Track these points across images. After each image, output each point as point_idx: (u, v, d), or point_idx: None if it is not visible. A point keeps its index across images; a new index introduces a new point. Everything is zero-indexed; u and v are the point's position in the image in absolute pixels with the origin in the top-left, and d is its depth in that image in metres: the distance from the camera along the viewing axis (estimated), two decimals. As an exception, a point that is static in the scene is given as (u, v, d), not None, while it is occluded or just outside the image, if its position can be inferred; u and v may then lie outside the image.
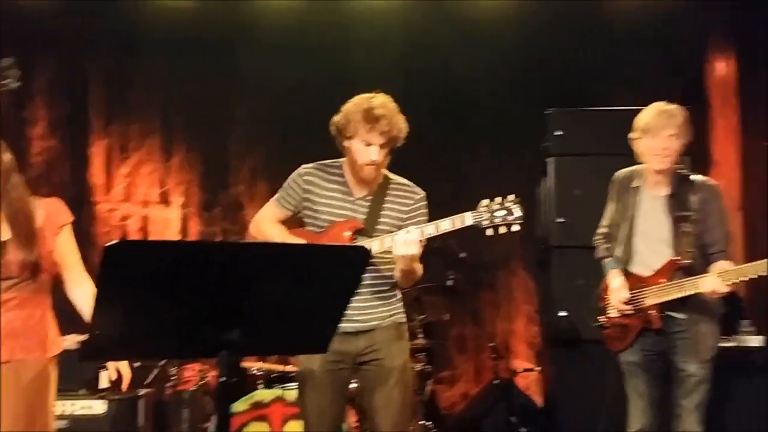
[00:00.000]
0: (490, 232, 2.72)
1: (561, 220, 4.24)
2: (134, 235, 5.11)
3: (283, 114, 5.09)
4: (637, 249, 3.40)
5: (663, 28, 4.96)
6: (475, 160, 5.08)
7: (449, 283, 4.43)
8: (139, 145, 5.24)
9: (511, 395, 4.41)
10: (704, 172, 4.89)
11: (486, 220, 2.70)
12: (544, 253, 4.41)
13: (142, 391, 4.16)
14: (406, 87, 4.72)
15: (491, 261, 4.95)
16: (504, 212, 2.69)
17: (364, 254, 2.05)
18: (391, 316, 2.92)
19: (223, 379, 1.84)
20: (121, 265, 1.69)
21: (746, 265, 3.21)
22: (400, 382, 2.86)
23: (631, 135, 3.42)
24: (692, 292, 3.21)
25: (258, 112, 5.16)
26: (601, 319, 3.47)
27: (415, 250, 2.72)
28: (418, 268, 2.84)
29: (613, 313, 3.41)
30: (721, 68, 4.95)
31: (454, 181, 4.90)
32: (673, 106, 3.36)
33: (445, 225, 2.75)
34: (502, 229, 2.70)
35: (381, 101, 2.81)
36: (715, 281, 3.15)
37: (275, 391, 3.74)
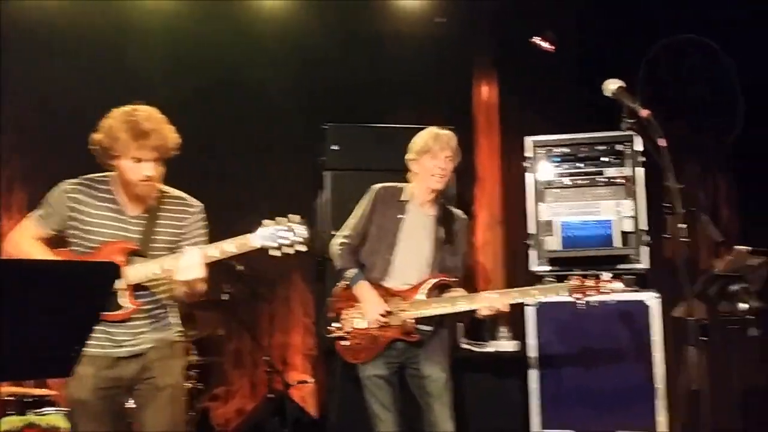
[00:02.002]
0: (275, 253, 2.69)
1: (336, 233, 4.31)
2: None
3: (45, 120, 4.72)
4: (396, 262, 3.52)
5: (434, 50, 5.24)
6: (253, 171, 5.04)
7: (224, 297, 4.34)
8: None
9: (285, 408, 4.40)
10: (470, 189, 5.26)
11: (271, 241, 2.66)
12: (321, 266, 4.46)
13: None
14: (181, 94, 4.61)
15: (270, 274, 4.93)
16: (289, 233, 2.67)
17: (113, 270, 1.93)
18: (164, 336, 2.82)
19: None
20: None
21: (525, 288, 3.52)
22: (171, 400, 2.79)
23: (408, 156, 3.58)
24: (467, 309, 3.40)
25: (17, 117, 4.74)
26: (336, 327, 3.53)
27: (199, 273, 2.64)
28: (203, 286, 2.75)
29: (358, 323, 3.49)
30: (485, 92, 5.32)
31: (232, 192, 4.84)
32: (448, 131, 3.59)
33: (230, 248, 2.67)
34: (287, 250, 2.68)
35: (146, 114, 2.66)
36: (498, 300, 3.37)
37: (27, 418, 3.44)
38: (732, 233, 5.20)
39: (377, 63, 5.15)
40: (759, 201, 5.28)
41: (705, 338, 2.32)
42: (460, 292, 3.51)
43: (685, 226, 2.34)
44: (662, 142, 2.52)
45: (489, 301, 3.37)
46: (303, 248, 2.70)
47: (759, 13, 5.07)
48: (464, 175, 4.78)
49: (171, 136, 2.71)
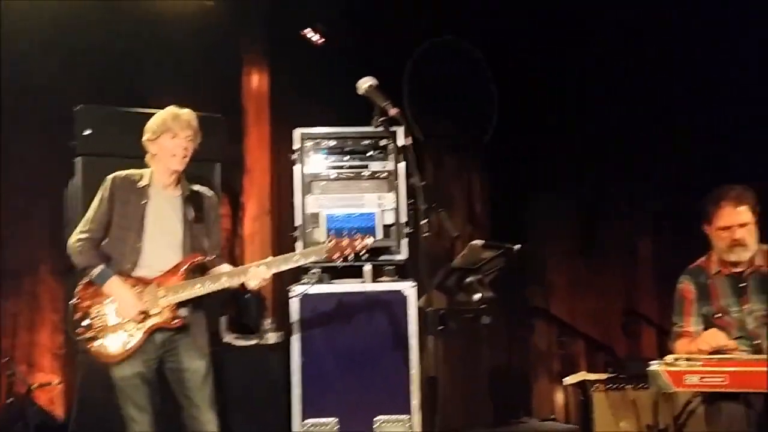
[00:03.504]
0: None
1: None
2: None
3: None
4: (146, 250, 3.37)
5: (203, 35, 5.06)
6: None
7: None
8: None
9: (26, 413, 4.07)
10: (238, 180, 5.18)
11: None
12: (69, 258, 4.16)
13: None
14: None
15: (15, 267, 4.52)
16: None
17: None
18: None
19: None
20: None
21: (287, 255, 3.49)
22: None
23: (146, 136, 3.43)
24: (230, 284, 3.34)
25: None
26: (83, 330, 3.34)
27: None
28: None
29: (111, 320, 3.31)
30: (255, 81, 5.24)
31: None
32: (186, 110, 3.47)
33: None
34: None
35: None
36: (262, 271, 3.33)
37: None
38: (484, 228, 5.61)
39: (142, 44, 4.89)
40: (508, 198, 5.74)
41: (442, 327, 2.43)
42: (224, 269, 3.43)
43: (426, 221, 2.43)
44: (408, 141, 2.60)
45: (252, 273, 3.33)
46: None
47: (517, 21, 5.49)
48: (233, 164, 4.69)
49: None
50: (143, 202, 3.41)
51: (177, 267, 3.37)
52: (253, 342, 4.31)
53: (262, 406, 4.23)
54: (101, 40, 4.79)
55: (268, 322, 4.47)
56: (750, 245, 3.48)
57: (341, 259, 3.41)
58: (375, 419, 4.19)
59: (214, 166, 4.35)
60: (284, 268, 3.44)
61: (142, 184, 3.44)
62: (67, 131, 4.22)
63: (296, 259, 3.46)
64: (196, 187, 3.58)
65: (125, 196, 3.41)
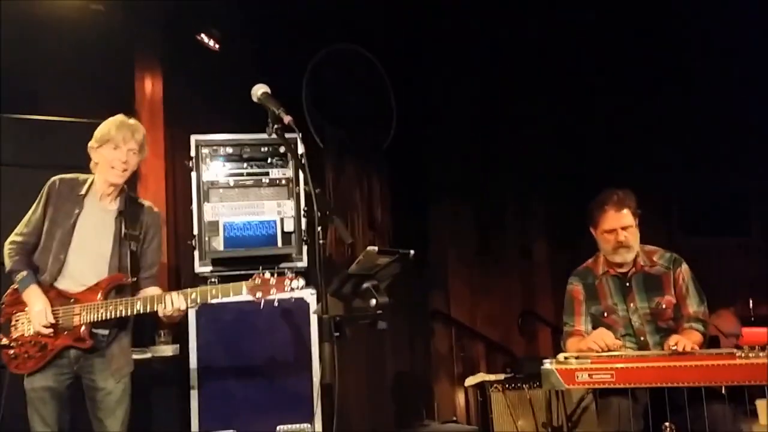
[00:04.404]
0: None
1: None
2: None
3: None
4: (69, 262, 3.26)
5: (94, 39, 4.87)
6: None
7: None
8: None
9: None
10: (132, 186, 5.00)
11: None
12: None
13: None
14: None
15: None
16: None
17: None
18: None
19: None
20: None
21: (206, 287, 3.34)
22: None
23: (90, 143, 3.33)
24: (144, 311, 3.22)
25: None
26: (4, 339, 3.24)
27: None
28: None
29: (27, 330, 3.21)
30: (149, 86, 5.10)
31: None
32: (133, 122, 3.37)
33: None
34: None
35: None
36: (177, 301, 3.22)
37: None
38: (385, 234, 5.65)
39: (31, 49, 4.66)
40: (409, 203, 5.82)
41: (338, 334, 2.43)
42: (150, 292, 3.33)
43: (320, 228, 2.43)
44: (301, 148, 2.59)
45: (169, 303, 3.22)
46: None
47: (415, 28, 5.57)
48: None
49: None
50: (76, 212, 3.28)
51: (98, 285, 3.26)
52: (148, 355, 4.18)
53: (160, 420, 4.11)
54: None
55: (163, 333, 4.35)
56: (633, 246, 3.65)
57: (263, 300, 3.21)
58: (277, 428, 4.15)
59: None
60: (199, 301, 3.30)
61: (80, 191, 3.32)
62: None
63: (214, 293, 3.30)
64: (141, 201, 3.46)
65: (60, 202, 3.29)
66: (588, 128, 5.61)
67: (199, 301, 3.28)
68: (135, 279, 3.36)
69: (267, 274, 3.25)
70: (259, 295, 3.23)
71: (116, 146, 3.30)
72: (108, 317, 3.23)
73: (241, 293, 3.29)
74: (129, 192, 3.47)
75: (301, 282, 3.23)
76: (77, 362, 3.27)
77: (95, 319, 3.22)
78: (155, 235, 3.47)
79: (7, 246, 3.30)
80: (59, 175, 3.37)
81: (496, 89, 5.83)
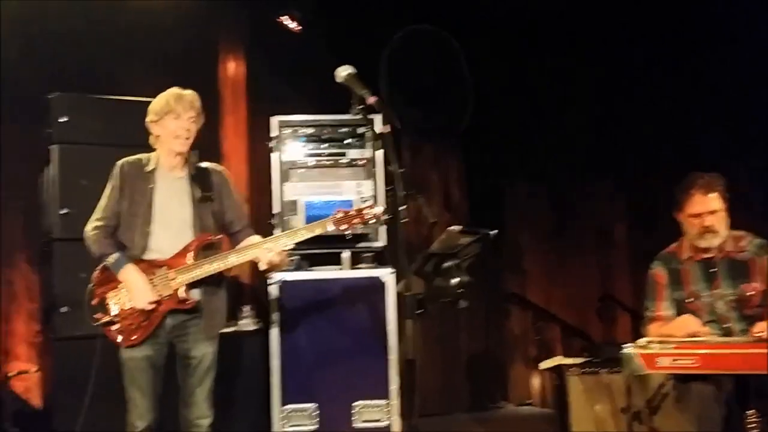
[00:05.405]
0: None
1: (64, 211, 4.01)
2: None
3: None
4: (155, 234, 3.38)
5: (176, 22, 5.01)
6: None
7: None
8: None
9: (3, 400, 4.05)
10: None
11: None
12: (47, 247, 4.14)
13: None
14: None
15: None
16: None
17: None
18: None
19: None
20: None
21: (291, 229, 3.51)
22: None
23: (149, 118, 3.42)
24: (239, 262, 3.35)
25: None
26: (100, 315, 3.35)
27: None
28: None
29: (126, 304, 3.33)
30: (232, 68, 5.22)
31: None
32: (189, 92, 3.47)
33: None
34: None
35: None
36: (272, 245, 3.34)
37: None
38: (461, 215, 5.65)
39: (116, 31, 4.83)
40: (485, 184, 5.79)
41: (420, 311, 2.47)
42: (253, 240, 3.45)
43: (404, 207, 2.46)
44: (386, 128, 2.62)
45: (260, 250, 3.33)
46: None
47: (494, 8, 5.51)
48: (209, 152, 4.66)
49: None
50: (150, 187, 3.41)
51: (186, 248, 3.37)
52: (231, 329, 4.32)
53: (241, 392, 4.24)
54: (73, 27, 4.71)
55: (246, 309, 4.48)
56: (720, 232, 3.55)
57: (350, 230, 3.34)
58: (354, 404, 4.23)
59: (191, 153, 4.34)
60: (290, 243, 3.41)
61: (148, 168, 3.44)
62: (40, 119, 4.19)
63: (302, 233, 3.43)
64: (204, 165, 3.57)
65: (133, 182, 3.42)
66: (676, 108, 5.44)
67: (289, 243, 3.39)
68: (220, 237, 3.48)
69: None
70: (344, 227, 3.32)
71: (177, 116, 3.39)
72: (204, 275, 3.33)
73: (326, 230, 3.38)
74: (192, 159, 3.56)
75: (380, 208, 3.31)
76: (173, 330, 3.40)
77: (192, 279, 3.33)
78: (229, 191, 3.58)
79: (90, 233, 3.40)
80: (123, 159, 3.49)
81: (574, 68, 5.71)
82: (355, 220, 3.32)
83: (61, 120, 4.07)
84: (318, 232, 3.40)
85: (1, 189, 4.52)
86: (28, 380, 4.49)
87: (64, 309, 3.94)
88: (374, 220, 3.33)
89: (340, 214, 3.34)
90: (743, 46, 5.18)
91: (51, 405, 4.13)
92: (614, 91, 5.66)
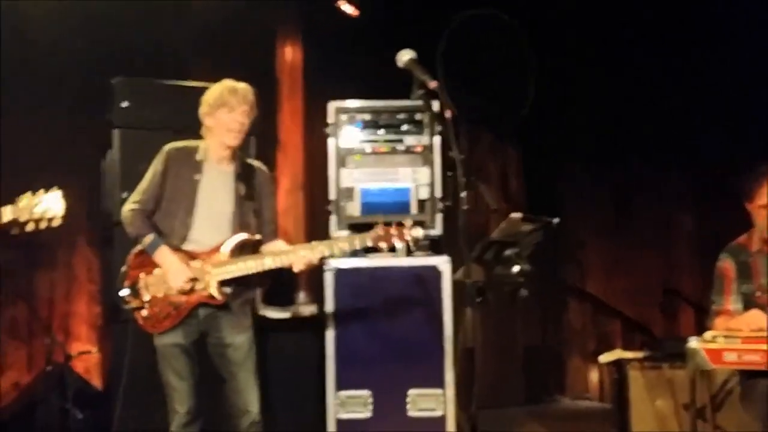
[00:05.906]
0: (31, 227, 2.57)
1: (125, 195, 4.04)
2: None
3: None
4: (195, 226, 3.37)
5: (237, 8, 5.02)
6: (33, 131, 4.61)
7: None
8: None
9: (65, 381, 4.14)
10: (271, 153, 5.17)
11: (27, 214, 2.58)
12: (108, 230, 4.20)
13: None
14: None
15: (50, 238, 4.57)
16: (43, 207, 2.58)
17: None
18: None
19: None
20: None
21: (332, 240, 3.47)
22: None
23: (202, 110, 3.40)
24: (274, 266, 3.30)
25: None
26: (130, 296, 3.36)
27: None
28: None
29: (157, 291, 3.33)
30: (289, 54, 5.21)
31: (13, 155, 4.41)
32: (244, 84, 3.43)
33: None
34: (43, 224, 2.59)
35: None
36: (309, 254, 3.30)
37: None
38: (520, 203, 5.55)
39: (175, 18, 4.87)
40: (542, 172, 5.68)
41: (480, 299, 2.41)
42: (277, 246, 3.42)
43: (465, 194, 2.40)
44: (447, 114, 2.56)
45: (297, 257, 3.31)
46: (59, 222, 2.63)
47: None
48: (266, 138, 4.68)
49: None
50: (196, 177, 3.39)
51: (225, 244, 3.35)
52: (288, 315, 4.32)
53: (296, 378, 4.25)
54: (134, 13, 4.78)
55: (302, 296, 4.49)
56: (793, 223, 3.40)
57: (388, 248, 3.30)
58: (408, 392, 4.20)
59: (249, 139, 4.32)
60: (328, 253, 3.38)
61: (197, 158, 3.42)
62: (102, 104, 4.25)
63: (341, 245, 3.39)
64: (251, 162, 3.56)
65: (179, 169, 3.40)
66: (746, 95, 5.24)
67: (326, 252, 3.34)
68: (259, 237, 3.44)
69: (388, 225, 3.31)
70: (382, 244, 3.27)
71: (231, 109, 3.35)
72: (237, 274, 3.31)
73: (366, 244, 3.34)
74: (240, 154, 3.54)
75: (420, 231, 3.26)
76: (205, 321, 3.38)
77: (225, 276, 3.30)
78: (269, 193, 3.56)
79: (126, 212, 3.39)
80: (172, 143, 3.46)
81: (638, 54, 5.55)
82: (395, 238, 3.27)
83: (123, 105, 4.11)
84: (356, 246, 3.37)
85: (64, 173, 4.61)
86: (88, 361, 4.60)
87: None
88: (413, 243, 3.31)
89: (381, 231, 3.28)
90: (743, 46, 5.03)
91: (110, 387, 4.20)
92: (681, 74, 5.49)
